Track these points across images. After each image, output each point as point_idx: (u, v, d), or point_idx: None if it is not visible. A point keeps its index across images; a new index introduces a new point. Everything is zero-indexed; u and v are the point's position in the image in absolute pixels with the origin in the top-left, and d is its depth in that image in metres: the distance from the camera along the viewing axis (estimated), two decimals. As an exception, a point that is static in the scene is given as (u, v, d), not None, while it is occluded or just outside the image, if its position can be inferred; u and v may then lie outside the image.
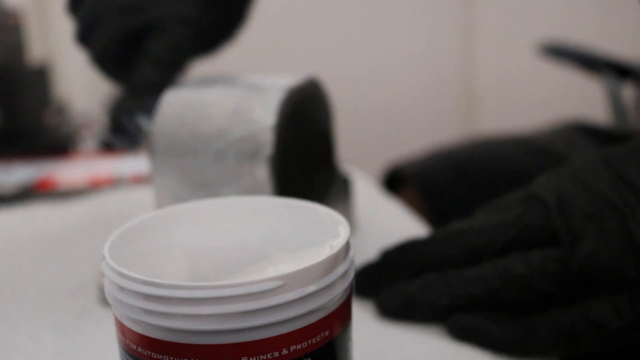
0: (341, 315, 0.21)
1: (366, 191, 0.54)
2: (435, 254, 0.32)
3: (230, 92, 0.35)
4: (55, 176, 0.62)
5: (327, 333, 0.20)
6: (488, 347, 0.29)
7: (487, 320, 0.29)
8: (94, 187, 0.58)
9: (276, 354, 0.19)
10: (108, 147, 0.76)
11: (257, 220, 0.25)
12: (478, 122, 1.72)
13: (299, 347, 0.19)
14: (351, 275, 0.21)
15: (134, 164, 0.66)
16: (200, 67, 0.41)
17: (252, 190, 0.34)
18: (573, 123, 0.73)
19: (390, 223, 0.47)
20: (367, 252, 0.37)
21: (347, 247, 0.21)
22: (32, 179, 0.60)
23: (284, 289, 0.19)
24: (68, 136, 0.77)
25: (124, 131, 0.36)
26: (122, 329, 0.20)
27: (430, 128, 1.67)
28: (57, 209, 0.53)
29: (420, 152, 0.72)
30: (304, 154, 0.39)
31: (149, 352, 0.19)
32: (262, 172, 0.33)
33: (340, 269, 0.20)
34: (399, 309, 0.31)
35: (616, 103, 0.89)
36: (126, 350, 0.20)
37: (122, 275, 0.19)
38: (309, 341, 0.19)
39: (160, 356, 0.19)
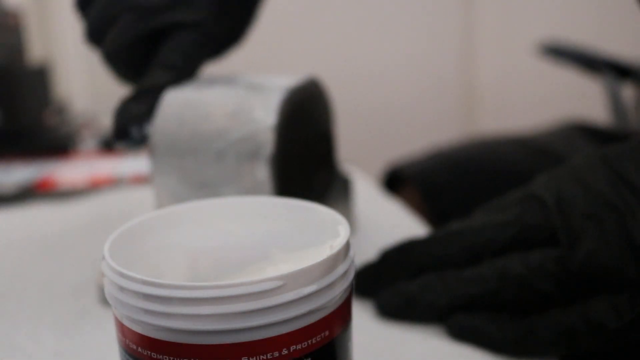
0: (341, 315, 0.21)
1: (366, 191, 0.54)
2: (434, 254, 0.32)
3: (230, 92, 0.35)
4: (55, 176, 0.62)
5: (327, 333, 0.20)
6: (487, 347, 0.29)
7: (487, 321, 0.29)
8: (94, 187, 0.58)
9: (276, 354, 0.19)
10: (109, 146, 0.76)
11: (257, 220, 0.25)
12: (478, 122, 1.72)
13: (299, 347, 0.19)
14: (351, 275, 0.21)
15: (134, 164, 0.66)
16: (201, 67, 0.41)
17: (252, 190, 0.34)
18: (573, 123, 0.73)
19: (390, 223, 0.47)
20: (367, 252, 0.37)
21: (347, 247, 0.21)
22: (32, 179, 0.60)
23: (284, 289, 0.19)
24: (68, 136, 0.77)
25: (127, 137, 0.36)
26: (122, 329, 0.20)
27: (430, 128, 1.67)
28: (57, 209, 0.53)
29: (420, 152, 0.72)
30: (304, 154, 0.39)
31: (149, 352, 0.19)
32: (262, 172, 0.33)
33: (340, 269, 0.20)
34: (398, 309, 0.31)
35: (616, 103, 0.89)
36: (126, 350, 0.20)
37: (122, 275, 0.19)
38: (309, 341, 0.19)
39: (160, 356, 0.19)
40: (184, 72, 0.38)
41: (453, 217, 0.35)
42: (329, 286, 0.20)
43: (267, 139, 0.33)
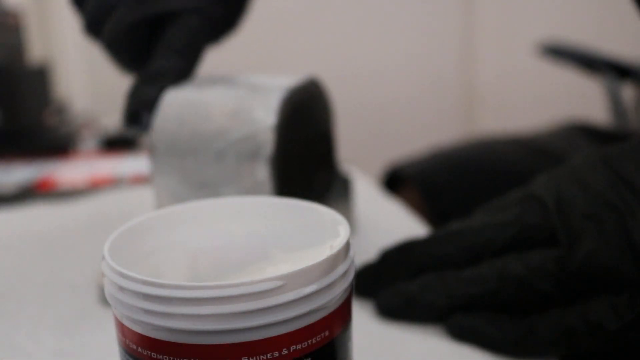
0: (341, 315, 0.21)
1: (366, 191, 0.54)
2: (434, 254, 0.32)
3: (230, 92, 0.35)
4: (55, 176, 0.62)
5: (327, 333, 0.20)
6: (487, 347, 0.29)
7: (486, 321, 0.29)
8: (94, 187, 0.58)
9: (276, 354, 0.19)
10: (109, 145, 0.76)
11: (257, 220, 0.25)
12: (478, 122, 1.72)
13: (299, 347, 0.19)
14: (351, 275, 0.21)
15: (134, 164, 0.66)
16: (201, 67, 0.41)
17: (252, 190, 0.34)
18: (573, 123, 0.73)
19: (390, 223, 0.47)
20: (367, 252, 0.37)
21: (347, 247, 0.21)
22: (32, 179, 0.61)
23: (284, 289, 0.19)
24: (68, 136, 0.77)
25: (138, 121, 0.36)
26: (122, 329, 0.20)
27: (430, 128, 1.67)
28: (57, 209, 0.53)
29: (420, 152, 0.72)
30: (304, 154, 0.39)
31: (149, 352, 0.19)
32: (262, 172, 0.33)
33: (340, 269, 0.20)
34: (398, 309, 0.31)
35: (616, 103, 0.89)
36: (126, 350, 0.20)
37: (122, 275, 0.19)
38: (309, 341, 0.19)
39: (160, 356, 0.19)
40: (189, 57, 0.38)
41: (453, 217, 0.35)
42: (329, 286, 0.20)
43: (267, 139, 0.33)
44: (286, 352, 0.19)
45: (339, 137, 0.48)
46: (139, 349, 0.19)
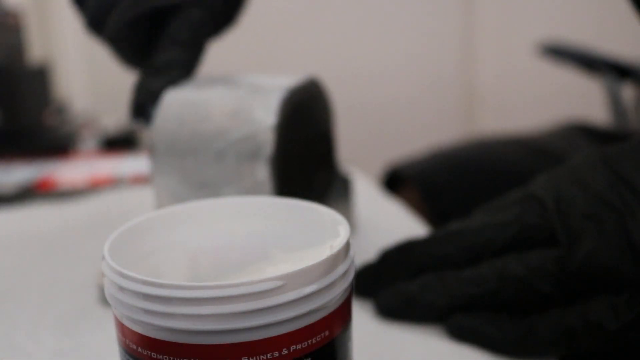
0: (341, 315, 0.21)
1: (366, 191, 0.54)
2: (434, 254, 0.32)
3: (230, 92, 0.35)
4: (55, 176, 0.62)
5: (327, 333, 0.20)
6: (487, 347, 0.29)
7: (486, 321, 0.29)
8: (94, 187, 0.58)
9: (276, 354, 0.19)
10: (109, 145, 0.76)
11: (257, 220, 0.25)
12: (478, 122, 1.72)
13: (299, 347, 0.19)
14: (351, 275, 0.21)
15: (134, 164, 0.66)
16: (201, 67, 0.41)
17: (252, 190, 0.34)
18: (573, 123, 0.73)
19: (390, 223, 0.47)
20: (367, 252, 0.37)
21: (347, 247, 0.21)
22: (32, 179, 0.61)
23: (284, 289, 0.19)
24: (68, 136, 0.77)
25: (145, 114, 0.36)
26: (122, 329, 0.20)
27: (430, 128, 1.67)
28: (57, 209, 0.53)
29: (420, 152, 0.72)
30: (304, 154, 0.39)
31: (149, 352, 0.19)
32: (262, 172, 0.33)
33: (340, 269, 0.20)
34: (398, 309, 0.31)
35: (616, 103, 0.89)
36: (126, 350, 0.20)
37: (122, 275, 0.19)
38: (309, 341, 0.19)
39: (160, 356, 0.19)
40: (193, 49, 0.38)
41: (453, 217, 0.35)
42: (329, 286, 0.20)
43: (267, 139, 0.33)
44: (286, 352, 0.19)
45: (339, 137, 0.48)
46: (139, 349, 0.19)
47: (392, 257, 0.33)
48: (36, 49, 1.21)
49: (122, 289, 0.19)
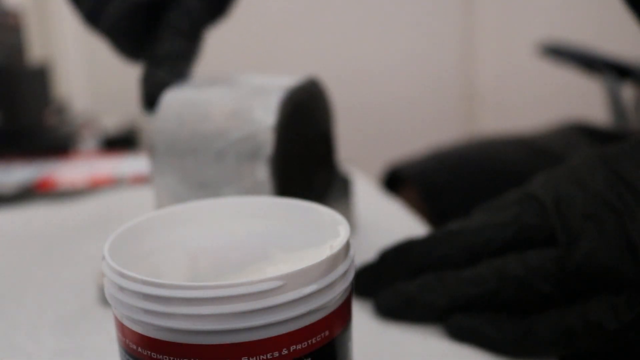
0: (341, 315, 0.21)
1: (366, 191, 0.54)
2: (433, 254, 0.32)
3: (230, 92, 0.35)
4: (55, 176, 0.62)
5: (327, 333, 0.20)
6: (487, 347, 0.29)
7: (486, 321, 0.29)
8: (94, 187, 0.58)
9: (276, 354, 0.19)
10: (109, 145, 0.76)
11: (257, 220, 0.25)
12: (478, 122, 1.72)
13: (299, 347, 0.19)
14: (351, 275, 0.21)
15: (134, 164, 0.66)
16: (201, 67, 0.41)
17: (252, 190, 0.34)
18: (573, 123, 0.73)
19: (390, 223, 0.47)
20: (367, 252, 0.37)
21: (347, 247, 0.21)
22: (32, 179, 0.61)
23: (284, 289, 0.19)
24: (68, 136, 0.77)
25: (155, 104, 0.37)
26: (122, 329, 0.20)
27: (430, 128, 1.67)
28: (57, 209, 0.53)
29: (420, 152, 0.72)
30: (304, 154, 0.39)
31: (149, 352, 0.19)
32: (262, 172, 0.33)
33: (340, 269, 0.20)
34: (397, 309, 0.31)
35: (616, 103, 0.89)
36: (126, 350, 0.20)
37: (122, 275, 0.19)
38: (309, 341, 0.19)
39: (160, 356, 0.19)
40: (194, 38, 0.39)
41: (453, 217, 0.34)
42: (329, 286, 0.20)
43: (267, 139, 0.33)
44: (286, 352, 0.19)
45: (339, 137, 0.48)
46: (139, 349, 0.19)
47: (391, 257, 0.33)
48: (36, 49, 1.21)
49: (122, 289, 0.19)
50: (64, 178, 0.61)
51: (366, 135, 1.61)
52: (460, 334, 0.30)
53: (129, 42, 0.40)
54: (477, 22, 1.68)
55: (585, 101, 1.44)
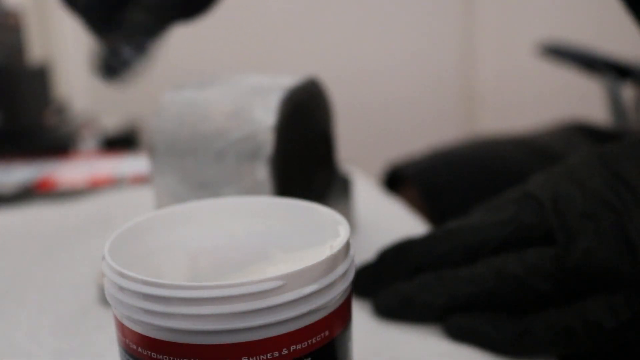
0: (341, 315, 0.21)
1: (366, 191, 0.54)
2: (431, 253, 0.32)
3: (230, 92, 0.36)
4: (55, 176, 0.62)
5: (327, 333, 0.20)
6: (485, 347, 0.29)
7: (484, 321, 0.29)
8: (94, 187, 0.58)
9: (276, 354, 0.19)
10: (109, 145, 0.76)
11: (257, 220, 0.25)
12: (478, 122, 1.72)
13: (299, 347, 0.19)
14: (351, 275, 0.21)
15: (134, 164, 0.66)
16: (201, 67, 0.41)
17: (252, 190, 0.34)
18: (573, 123, 0.73)
19: (390, 223, 0.47)
20: (367, 252, 0.37)
21: (347, 247, 0.21)
22: (32, 179, 0.61)
23: (284, 289, 0.19)
24: (68, 136, 0.77)
25: (111, 69, 0.37)
26: (122, 329, 0.20)
27: (430, 128, 1.67)
28: (57, 209, 0.53)
29: (420, 152, 0.72)
30: (304, 154, 0.39)
31: (149, 352, 0.19)
32: (262, 172, 0.33)
33: (340, 269, 0.20)
34: (396, 309, 0.31)
35: (616, 103, 0.89)
36: (126, 350, 0.20)
37: (122, 275, 0.19)
38: (309, 341, 0.19)
39: (160, 356, 0.19)
40: (162, 10, 0.39)
41: (453, 216, 0.35)
42: (329, 286, 0.20)
43: (266, 139, 0.33)
44: (286, 352, 0.19)
45: (339, 137, 0.48)
46: (139, 349, 0.19)
47: (390, 256, 0.33)
48: (36, 49, 1.21)
49: (122, 289, 0.19)
50: (64, 178, 0.61)
51: (366, 135, 1.61)
52: (460, 334, 0.30)
53: (101, 21, 0.41)
54: (477, 22, 1.68)
55: (585, 101, 1.44)
